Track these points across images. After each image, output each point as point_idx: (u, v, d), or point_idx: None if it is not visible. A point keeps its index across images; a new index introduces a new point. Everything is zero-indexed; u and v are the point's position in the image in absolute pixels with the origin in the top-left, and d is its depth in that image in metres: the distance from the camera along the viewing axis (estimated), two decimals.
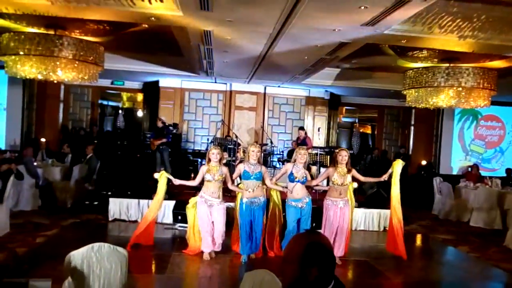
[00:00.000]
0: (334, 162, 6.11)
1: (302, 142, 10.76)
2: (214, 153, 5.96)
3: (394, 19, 5.54)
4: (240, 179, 6.20)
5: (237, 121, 12.96)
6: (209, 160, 5.99)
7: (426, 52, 8.17)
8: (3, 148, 11.06)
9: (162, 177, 6.23)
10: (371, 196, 9.30)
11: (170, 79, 12.60)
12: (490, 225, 9.32)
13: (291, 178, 5.99)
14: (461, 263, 7.15)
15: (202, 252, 6.13)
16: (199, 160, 11.63)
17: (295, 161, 6.07)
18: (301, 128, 11.54)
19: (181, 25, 6.61)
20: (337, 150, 6.23)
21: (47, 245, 6.37)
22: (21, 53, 7.62)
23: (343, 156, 5.98)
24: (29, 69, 7.69)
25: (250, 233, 6.02)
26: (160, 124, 10.90)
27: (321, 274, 1.70)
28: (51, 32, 7.86)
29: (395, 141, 14.83)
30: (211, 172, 5.92)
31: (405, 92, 9.40)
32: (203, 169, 6.04)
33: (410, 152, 14.33)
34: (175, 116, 12.78)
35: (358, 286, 5.57)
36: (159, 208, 6.72)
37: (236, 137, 10.62)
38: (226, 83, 12.87)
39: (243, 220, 5.95)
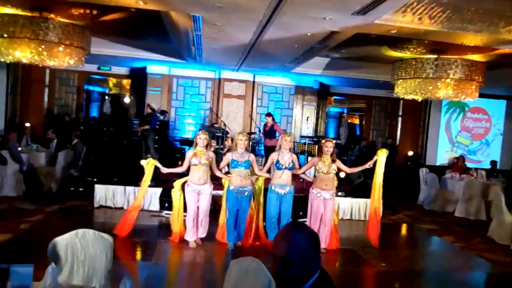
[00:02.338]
0: (319, 152, 6.20)
1: (270, 129, 10.38)
2: (202, 138, 5.92)
3: (385, 8, 5.50)
4: (228, 167, 6.17)
5: (226, 109, 12.88)
6: (196, 144, 5.95)
7: (415, 43, 8.17)
8: None
9: (149, 164, 6.17)
10: (357, 186, 9.35)
11: (158, 65, 12.43)
12: (474, 215, 9.45)
13: (278, 166, 6.01)
14: (445, 253, 7.25)
15: (186, 240, 6.10)
16: (187, 147, 11.56)
17: (279, 148, 6.08)
18: (268, 114, 10.86)
19: (170, 9, 6.50)
20: (323, 141, 6.30)
21: (31, 231, 6.29)
22: (5, 35, 7.44)
23: (329, 147, 6.04)
24: (13, 52, 7.51)
25: (236, 221, 6.03)
26: (148, 110, 10.80)
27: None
28: (36, 14, 7.67)
29: (383, 131, 14.90)
30: (198, 156, 5.89)
31: (393, 83, 9.43)
32: (189, 154, 6.00)
33: (398, 143, 14.44)
34: (162, 103, 12.65)
35: (343, 275, 5.62)
36: (144, 196, 6.66)
37: (225, 125, 10.55)
38: (215, 71, 12.75)
39: (230, 208, 5.95)
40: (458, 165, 11.59)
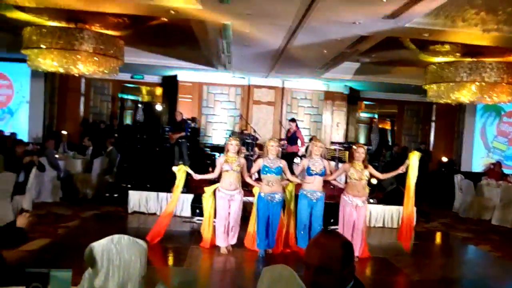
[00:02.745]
0: (351, 158, 6.10)
1: (292, 135, 10.17)
2: (233, 144, 5.97)
3: (416, 11, 5.42)
4: (259, 174, 6.19)
5: (255, 116, 12.92)
6: (227, 151, 6.00)
7: (448, 46, 8.00)
8: (25, 140, 11.26)
9: (181, 171, 6.24)
10: (390, 193, 9.19)
11: (188, 73, 12.62)
12: None
13: (309, 172, 5.98)
14: (482, 262, 7.01)
15: (217, 246, 6.13)
16: (217, 154, 11.65)
17: (310, 154, 6.06)
18: (292, 120, 10.61)
19: (200, 18, 6.61)
20: (354, 147, 6.19)
21: (68, 236, 6.49)
22: (43, 46, 7.72)
23: (360, 153, 5.94)
24: (51, 62, 7.79)
25: (267, 228, 6.00)
26: (179, 118, 10.96)
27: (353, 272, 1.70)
28: (72, 25, 7.94)
29: (415, 137, 14.59)
30: (229, 162, 5.92)
31: (426, 87, 9.24)
32: (220, 160, 6.05)
33: (431, 149, 14.10)
34: (193, 110, 12.81)
35: (376, 284, 5.51)
36: (176, 203, 6.74)
37: (254, 131, 10.58)
38: (244, 77, 12.83)
39: (261, 215, 5.94)
40: (494, 171, 11.22)
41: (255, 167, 6.20)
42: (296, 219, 6.23)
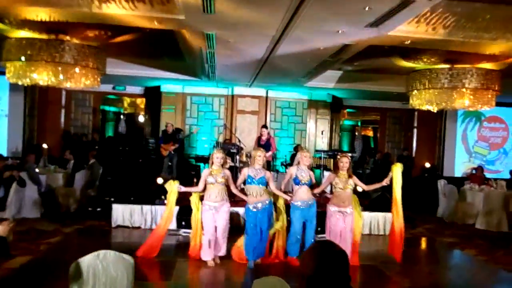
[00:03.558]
0: (335, 168, 6.11)
1: (266, 143, 9.71)
2: (218, 158, 5.90)
3: (399, 19, 5.48)
4: (244, 184, 6.13)
5: (239, 125, 12.88)
6: (212, 163, 5.94)
7: (429, 53, 8.12)
8: (4, 155, 11.00)
9: (172, 186, 6.13)
10: (375, 200, 9.21)
11: (172, 84, 12.54)
12: (496, 227, 9.23)
13: (297, 181, 5.96)
14: (469, 266, 7.05)
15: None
16: (202, 164, 11.57)
17: (298, 163, 6.04)
18: (264, 126, 10.21)
19: (184, 28, 6.57)
20: (338, 157, 6.19)
21: (50, 252, 6.30)
22: (23, 59, 7.58)
23: (344, 162, 5.96)
24: (30, 75, 7.64)
25: (256, 238, 5.91)
26: (170, 130, 10.88)
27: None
28: (52, 37, 7.82)
29: (398, 143, 14.74)
30: (213, 174, 5.86)
31: (408, 94, 9.34)
32: (205, 173, 5.99)
33: (414, 155, 14.26)
34: (176, 121, 12.70)
35: None
36: (171, 218, 6.57)
37: (239, 141, 10.54)
38: (228, 87, 12.81)
39: (249, 226, 5.89)
40: (477, 176, 11.39)
41: (241, 177, 6.14)
42: (286, 231, 6.16)
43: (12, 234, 2.99)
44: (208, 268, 5.88)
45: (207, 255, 5.96)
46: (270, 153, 9.65)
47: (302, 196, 5.96)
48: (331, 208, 6.03)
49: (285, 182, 6.27)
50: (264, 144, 9.65)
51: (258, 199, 5.84)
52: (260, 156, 5.91)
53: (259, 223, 5.88)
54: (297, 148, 12.24)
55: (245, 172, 5.99)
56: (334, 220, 5.98)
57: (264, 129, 10.03)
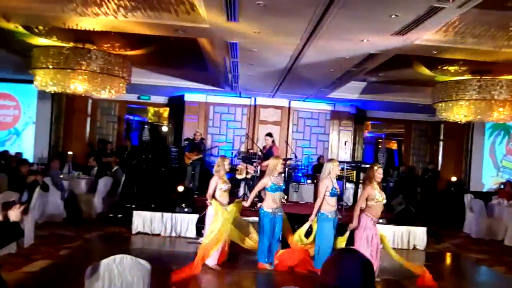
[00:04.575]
0: (369, 179, 5.74)
1: (268, 152, 9.38)
2: (226, 164, 6.27)
3: (426, 28, 5.36)
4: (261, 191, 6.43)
5: (262, 135, 12.82)
6: (224, 171, 6.23)
7: (456, 64, 7.94)
8: (31, 160, 11.23)
9: (232, 210, 6.03)
10: (399, 213, 8.99)
11: (195, 94, 12.62)
12: None
13: (333, 192, 5.95)
14: (497, 284, 6.78)
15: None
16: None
17: (329, 174, 5.98)
18: (269, 134, 9.89)
19: (208, 37, 6.60)
20: (375, 167, 5.80)
21: (70, 257, 6.33)
22: (50, 67, 7.74)
23: (381, 173, 5.73)
24: (56, 82, 7.79)
25: (272, 242, 6.11)
26: (199, 138, 10.92)
27: None
28: (79, 46, 7.97)
29: (423, 156, 14.40)
30: (225, 182, 6.19)
31: (435, 106, 9.13)
32: (216, 181, 6.13)
33: (439, 168, 13.90)
34: (199, 130, 12.73)
35: None
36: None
37: (261, 151, 10.47)
38: (250, 97, 12.82)
39: (267, 229, 6.02)
40: (505, 190, 11.00)
41: (260, 186, 6.31)
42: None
43: (21, 216, 2.98)
44: (221, 275, 5.94)
45: (212, 260, 6.03)
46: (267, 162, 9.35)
47: (334, 206, 5.94)
48: (368, 221, 5.68)
49: (321, 195, 6.00)
50: (266, 153, 9.38)
51: (278, 205, 6.10)
52: (280, 165, 6.14)
53: (276, 228, 6.09)
54: (320, 159, 12.13)
55: (266, 181, 6.14)
56: (372, 233, 5.69)
57: (267, 137, 9.77)
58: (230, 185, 6.23)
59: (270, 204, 6.06)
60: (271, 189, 6.04)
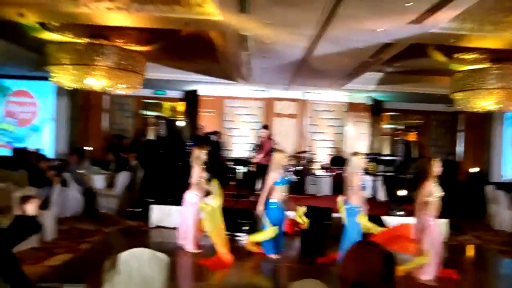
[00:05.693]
0: (426, 174, 5.46)
1: (262, 145, 9.23)
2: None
3: (443, 16, 5.25)
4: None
5: (277, 128, 12.80)
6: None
7: (474, 53, 7.75)
8: (52, 157, 11.40)
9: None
10: None
11: (209, 87, 12.63)
12: None
13: (364, 185, 6.01)
14: None
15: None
16: (240, 167, 11.54)
17: (357, 168, 5.91)
18: (264, 126, 9.73)
19: (221, 29, 6.58)
20: (433, 161, 5.59)
21: (90, 251, 6.44)
22: (65, 63, 7.80)
23: (439, 167, 5.50)
24: (73, 78, 7.86)
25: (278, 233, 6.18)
26: (200, 132, 10.93)
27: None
28: (94, 41, 8.02)
29: (443, 147, 14.19)
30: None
31: (452, 96, 8.95)
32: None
33: (459, 159, 13.67)
34: (215, 124, 12.79)
35: None
36: None
37: (275, 144, 10.43)
38: (265, 90, 12.77)
39: (272, 219, 6.11)
40: None
41: (269, 182, 6.23)
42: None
43: (38, 210, 3.03)
44: (239, 269, 6.00)
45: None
46: (259, 155, 9.15)
47: (362, 200, 5.87)
48: (431, 219, 5.45)
49: (355, 189, 5.82)
50: (261, 146, 9.30)
51: (284, 197, 6.25)
52: (286, 159, 6.44)
53: (280, 219, 6.21)
54: (338, 151, 12.10)
55: (274, 176, 6.20)
56: (436, 231, 5.57)
57: (263, 130, 9.65)
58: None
59: (278, 195, 6.19)
60: (280, 182, 6.17)
